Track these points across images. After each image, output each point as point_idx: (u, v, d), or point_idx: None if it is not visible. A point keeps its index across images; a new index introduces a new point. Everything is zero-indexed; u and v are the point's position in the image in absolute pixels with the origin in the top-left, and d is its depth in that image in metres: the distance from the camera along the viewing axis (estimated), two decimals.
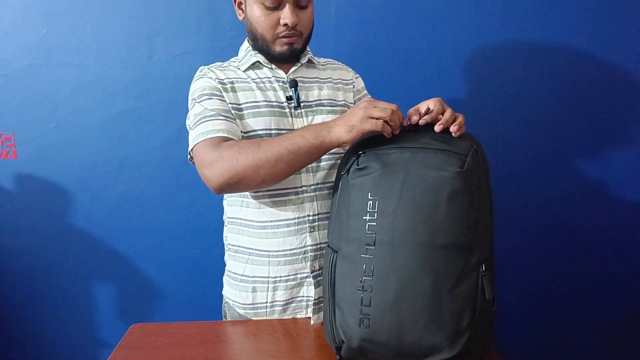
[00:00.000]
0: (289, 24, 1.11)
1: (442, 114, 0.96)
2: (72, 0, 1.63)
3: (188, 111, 1.17)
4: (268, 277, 1.16)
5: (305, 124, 1.16)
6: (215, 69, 1.17)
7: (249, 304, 1.19)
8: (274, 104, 1.15)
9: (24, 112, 1.68)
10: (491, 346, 0.96)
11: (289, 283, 1.16)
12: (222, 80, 1.14)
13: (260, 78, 1.18)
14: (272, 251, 1.15)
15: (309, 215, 1.15)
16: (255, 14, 1.12)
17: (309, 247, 1.16)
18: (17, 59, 1.66)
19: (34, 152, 1.71)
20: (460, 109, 0.99)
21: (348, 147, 1.01)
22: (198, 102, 1.12)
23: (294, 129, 1.13)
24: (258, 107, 1.14)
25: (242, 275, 1.19)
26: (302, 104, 1.17)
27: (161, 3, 1.64)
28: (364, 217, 0.89)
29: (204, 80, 1.14)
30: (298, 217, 1.15)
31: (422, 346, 0.86)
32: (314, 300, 1.17)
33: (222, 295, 1.28)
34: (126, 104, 1.69)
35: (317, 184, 1.17)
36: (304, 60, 1.21)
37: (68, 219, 1.75)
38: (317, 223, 1.16)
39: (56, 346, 1.83)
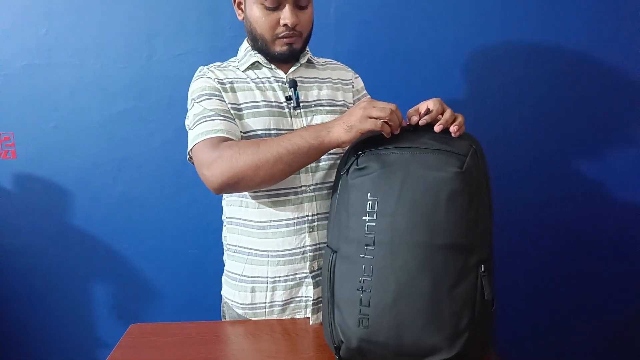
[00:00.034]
0: (289, 25, 1.11)
1: (442, 114, 0.96)
2: (72, 0, 1.63)
3: (187, 111, 1.17)
4: (267, 277, 1.16)
5: (305, 124, 1.16)
6: (214, 69, 1.17)
7: (248, 304, 1.19)
8: (273, 104, 1.15)
9: (24, 112, 1.68)
10: (490, 346, 0.96)
11: (288, 283, 1.16)
12: (222, 80, 1.14)
13: (260, 78, 1.18)
14: (271, 251, 1.15)
15: (308, 216, 1.15)
16: (255, 14, 1.12)
17: (308, 247, 1.16)
18: (16, 59, 1.66)
19: (34, 152, 1.71)
20: (460, 109, 0.99)
21: (347, 147, 1.01)
22: (197, 102, 1.12)
23: (293, 129, 1.13)
24: (257, 107, 1.14)
25: (241, 276, 1.19)
26: (301, 104, 1.17)
27: (161, 3, 1.65)
28: (364, 218, 0.89)
29: (203, 80, 1.14)
30: (297, 217, 1.15)
31: (421, 346, 0.86)
32: (312, 300, 1.17)
33: (221, 296, 1.28)
34: (126, 104, 1.69)
35: (316, 184, 1.17)
36: (303, 61, 1.21)
37: (67, 219, 1.75)
38: (316, 223, 1.16)
39: (55, 346, 1.83)
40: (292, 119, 1.16)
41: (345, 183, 0.94)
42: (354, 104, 1.26)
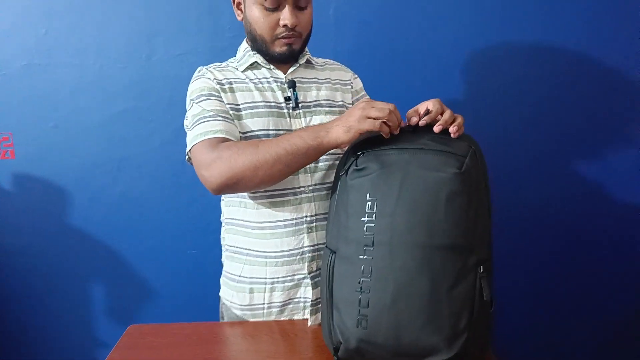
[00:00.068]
0: (289, 25, 1.10)
1: (441, 114, 0.96)
2: (72, 1, 1.63)
3: (186, 112, 1.17)
4: (265, 278, 1.16)
5: (304, 125, 1.16)
6: (213, 70, 1.17)
7: (246, 305, 1.19)
8: (272, 104, 1.15)
9: (23, 112, 1.68)
10: (489, 347, 0.96)
11: (286, 284, 1.16)
12: (221, 80, 1.14)
13: (259, 78, 1.18)
14: (269, 252, 1.15)
15: (306, 216, 1.15)
16: (255, 14, 1.12)
17: (307, 248, 1.15)
18: (16, 59, 1.66)
19: (33, 152, 1.71)
20: (459, 109, 0.99)
21: (347, 148, 1.01)
22: (196, 103, 1.12)
23: (292, 130, 1.13)
24: (256, 107, 1.14)
25: (240, 276, 1.19)
26: (300, 105, 1.17)
27: (161, 3, 1.64)
28: (363, 218, 0.89)
29: (202, 80, 1.14)
30: (296, 218, 1.15)
31: (420, 347, 0.85)
32: (311, 301, 1.17)
33: (219, 297, 1.28)
34: (126, 104, 1.69)
35: (315, 184, 1.16)
36: (302, 61, 1.21)
37: (67, 219, 1.75)
38: (314, 224, 1.16)
39: (54, 346, 1.83)
40: (291, 119, 1.16)
41: (344, 184, 0.94)
42: (353, 104, 1.26)
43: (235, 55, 1.24)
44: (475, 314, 0.86)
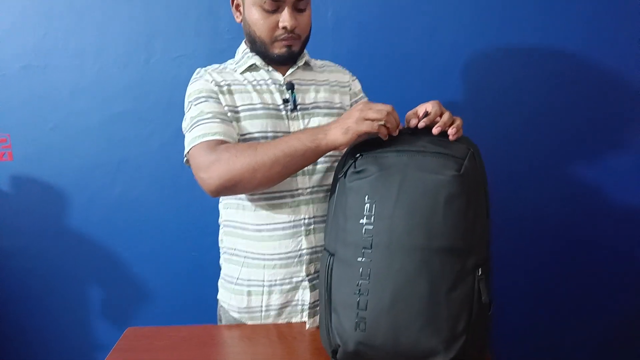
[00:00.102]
0: (288, 27, 1.10)
1: (440, 116, 0.95)
2: (71, 2, 1.63)
3: (185, 114, 1.16)
4: (263, 280, 1.16)
5: (302, 127, 1.16)
6: (212, 71, 1.17)
7: (244, 308, 1.19)
8: (271, 106, 1.15)
9: (21, 113, 1.68)
10: (487, 350, 0.96)
11: (284, 287, 1.16)
12: (219, 82, 1.14)
13: (257, 80, 1.17)
14: (267, 254, 1.15)
15: (304, 219, 1.15)
16: (254, 16, 1.12)
17: (305, 251, 1.15)
18: (15, 60, 1.66)
19: (31, 153, 1.70)
20: (459, 111, 0.99)
21: (345, 150, 1.00)
22: (194, 105, 1.12)
23: (290, 132, 1.13)
24: (254, 109, 1.14)
25: (238, 279, 1.19)
26: (298, 107, 1.17)
27: (160, 5, 1.64)
28: (361, 221, 0.88)
29: (200, 82, 1.14)
30: (294, 220, 1.14)
31: (418, 350, 0.85)
32: (309, 304, 1.17)
33: (217, 299, 1.28)
34: (125, 106, 1.69)
35: (313, 186, 1.16)
36: (300, 63, 1.21)
37: (65, 221, 1.75)
38: (312, 226, 1.16)
39: (52, 348, 1.83)
40: (289, 121, 1.16)
41: (342, 186, 0.94)
42: (351, 106, 1.26)
43: (233, 57, 1.24)
44: (473, 316, 0.86)
